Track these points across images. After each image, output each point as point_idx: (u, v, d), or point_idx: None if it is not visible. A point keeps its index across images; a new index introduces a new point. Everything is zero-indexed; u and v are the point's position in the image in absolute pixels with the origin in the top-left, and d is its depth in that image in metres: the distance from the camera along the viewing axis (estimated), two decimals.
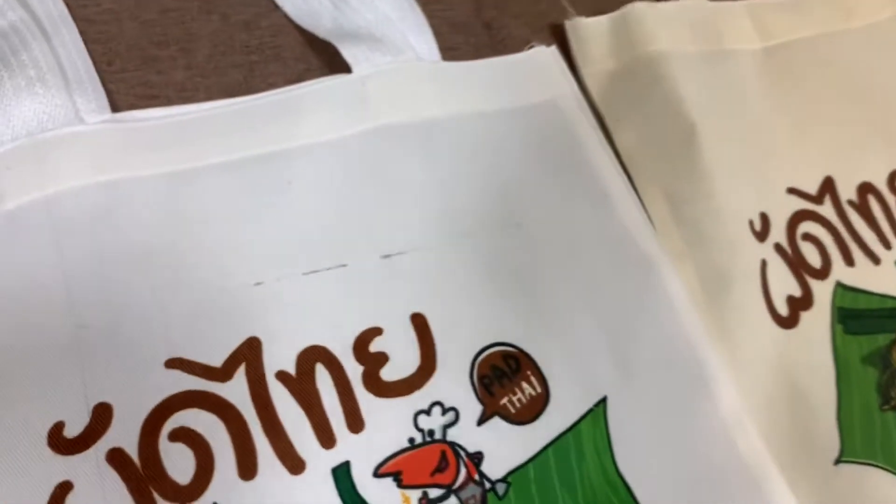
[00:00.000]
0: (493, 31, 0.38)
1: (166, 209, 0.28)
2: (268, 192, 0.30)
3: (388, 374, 0.28)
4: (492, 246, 0.32)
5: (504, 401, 0.29)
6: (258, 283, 0.28)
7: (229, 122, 0.30)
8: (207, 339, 0.27)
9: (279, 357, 0.27)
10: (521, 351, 0.30)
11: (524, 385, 0.29)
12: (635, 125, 0.36)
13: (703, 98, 0.36)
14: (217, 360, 0.26)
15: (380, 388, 0.28)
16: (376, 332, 0.29)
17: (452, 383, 0.29)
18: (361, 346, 0.28)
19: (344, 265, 0.29)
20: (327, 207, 0.30)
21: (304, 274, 0.29)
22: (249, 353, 0.27)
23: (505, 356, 0.30)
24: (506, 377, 0.29)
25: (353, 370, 0.28)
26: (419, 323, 0.29)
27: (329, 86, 0.32)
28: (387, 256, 0.30)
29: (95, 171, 0.28)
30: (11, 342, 0.25)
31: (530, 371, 0.30)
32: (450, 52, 0.36)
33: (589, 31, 0.37)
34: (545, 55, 0.37)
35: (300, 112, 0.31)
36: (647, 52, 0.37)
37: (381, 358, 0.28)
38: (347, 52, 0.33)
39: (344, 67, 0.33)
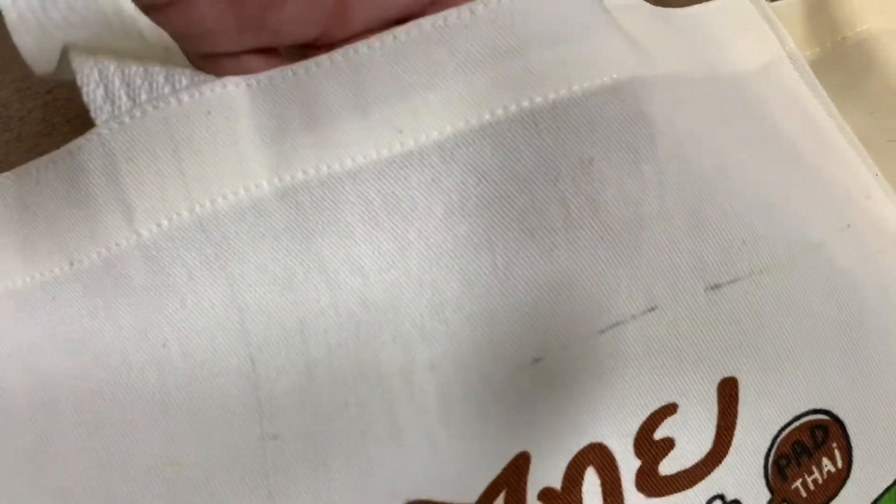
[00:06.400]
0: None
1: None
2: None
3: (668, 466, 0.19)
4: (836, 263, 0.21)
5: (797, 484, 0.21)
6: (537, 360, 0.17)
7: None
8: (461, 466, 0.17)
9: (546, 472, 0.18)
10: (833, 418, 0.21)
11: (824, 461, 0.21)
12: (856, 124, 0.28)
13: None
14: (471, 495, 0.17)
15: (654, 486, 0.19)
16: (669, 410, 0.19)
17: (742, 469, 0.20)
18: (646, 434, 0.19)
19: (653, 308, 0.18)
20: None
21: (601, 332, 0.18)
22: (513, 477, 0.17)
23: (813, 427, 0.21)
24: (806, 454, 0.21)
25: (629, 470, 0.19)
26: (727, 392, 0.19)
27: None
28: (715, 288, 0.19)
29: None
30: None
31: (836, 443, 0.21)
32: None
33: (780, 16, 0.30)
34: (742, 4, 0.26)
35: None
36: (855, 34, 0.31)
37: (665, 446, 0.19)
38: None
39: None
